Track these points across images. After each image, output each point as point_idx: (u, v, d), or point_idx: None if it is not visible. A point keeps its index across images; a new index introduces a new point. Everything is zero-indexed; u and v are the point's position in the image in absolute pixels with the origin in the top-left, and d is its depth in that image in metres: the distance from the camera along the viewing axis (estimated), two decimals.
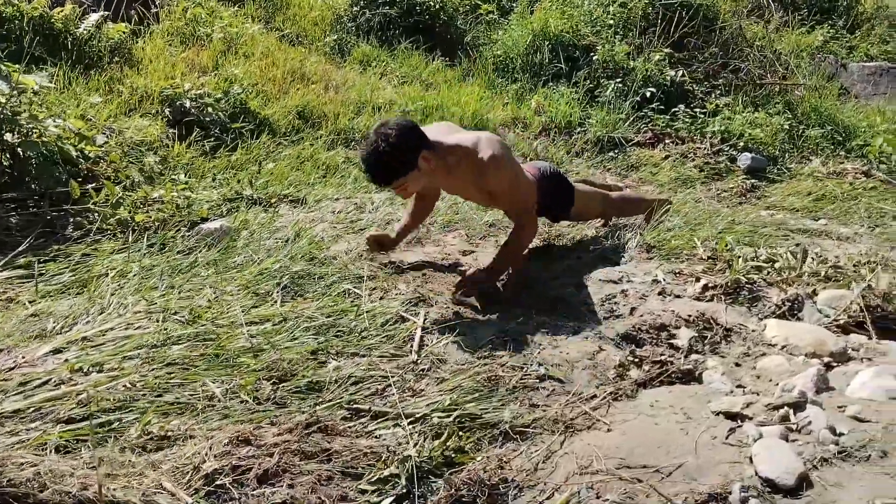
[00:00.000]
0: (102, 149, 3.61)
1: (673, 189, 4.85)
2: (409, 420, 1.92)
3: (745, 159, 5.19)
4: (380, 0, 7.10)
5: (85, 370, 1.98)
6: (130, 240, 2.97)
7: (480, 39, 6.95)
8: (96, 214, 3.10)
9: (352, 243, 3.38)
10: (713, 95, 6.15)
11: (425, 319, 2.55)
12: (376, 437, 1.86)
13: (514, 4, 7.34)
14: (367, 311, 2.52)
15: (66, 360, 2.00)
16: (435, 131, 2.92)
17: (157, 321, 2.25)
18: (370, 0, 7.12)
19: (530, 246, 3.22)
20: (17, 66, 3.29)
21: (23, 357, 1.98)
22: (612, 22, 6.67)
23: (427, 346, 2.39)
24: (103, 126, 4.11)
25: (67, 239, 2.90)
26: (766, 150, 5.45)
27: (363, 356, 2.25)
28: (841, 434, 2.02)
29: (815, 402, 2.14)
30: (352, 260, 3.10)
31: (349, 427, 1.87)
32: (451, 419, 1.93)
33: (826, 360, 2.50)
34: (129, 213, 3.11)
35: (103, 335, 2.16)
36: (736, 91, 6.21)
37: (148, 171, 3.74)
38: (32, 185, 3.18)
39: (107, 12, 5.15)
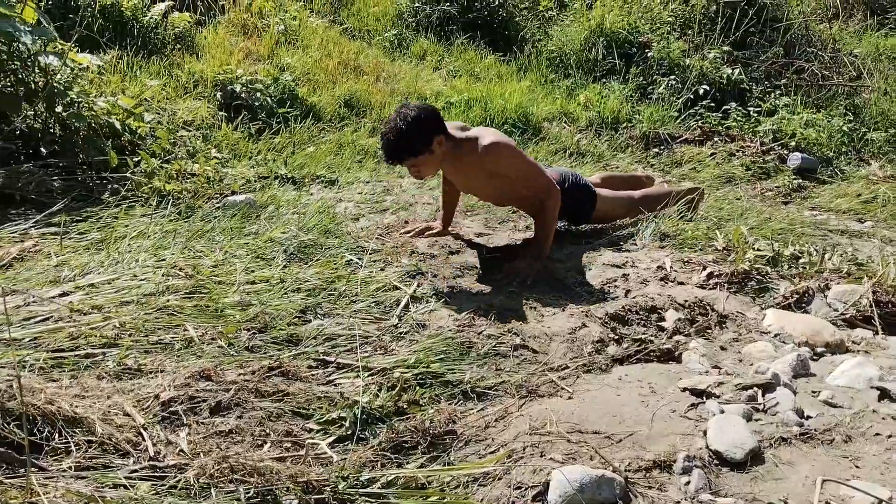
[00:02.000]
0: (149, 125, 3.85)
1: (715, 186, 4.76)
2: (370, 372, 2.01)
3: (794, 159, 5.04)
4: None
5: (84, 311, 2.16)
6: (159, 207, 3.18)
7: (537, 35, 6.98)
8: (133, 183, 3.33)
9: (371, 220, 3.50)
10: (773, 95, 5.98)
11: (416, 289, 2.64)
12: (335, 385, 1.96)
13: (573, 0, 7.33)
14: (361, 279, 2.63)
15: (70, 302, 2.19)
16: (450, 127, 3.04)
17: (161, 275, 2.42)
18: None
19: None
20: (70, 44, 3.54)
21: (33, 297, 2.18)
22: (671, 19, 6.58)
23: (411, 312, 2.47)
24: (157, 106, 4.40)
25: (102, 203, 3.12)
26: (820, 151, 5.27)
27: (348, 317, 2.36)
28: (808, 417, 1.99)
29: (787, 385, 2.11)
30: (363, 235, 3.22)
31: (311, 374, 1.98)
32: (410, 374, 2.01)
33: (819, 349, 2.44)
34: (162, 182, 3.32)
35: (109, 283, 2.35)
36: (797, 91, 6.02)
37: (191, 147, 3.97)
38: (79, 154, 3.44)
39: (173, 2, 5.47)
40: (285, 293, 2.44)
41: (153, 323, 2.12)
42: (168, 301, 2.26)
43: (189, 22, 5.44)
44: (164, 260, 2.56)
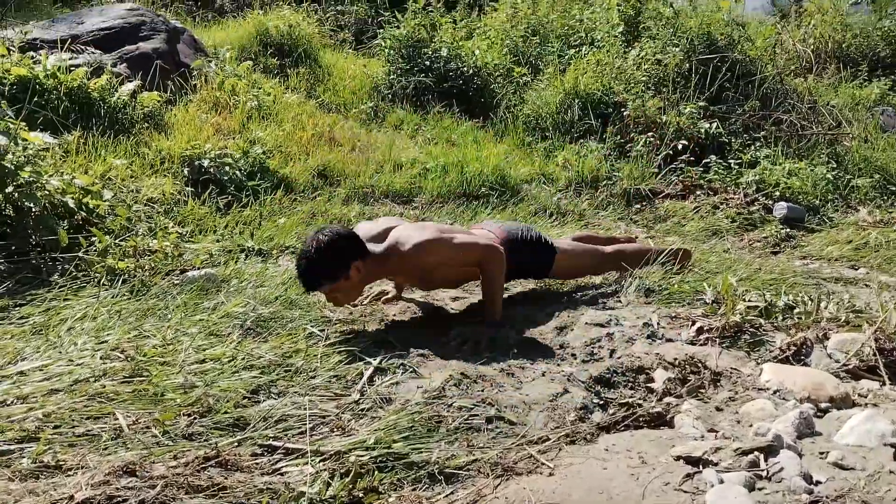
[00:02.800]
0: (108, 202, 3.70)
1: (701, 240, 4.62)
2: (322, 457, 1.78)
3: (780, 209, 4.92)
4: (416, 68, 7.26)
5: (8, 402, 1.94)
6: (113, 286, 2.98)
7: (513, 101, 6.96)
8: (85, 263, 3.14)
9: None
10: (753, 147, 5.91)
11: (382, 360, 2.43)
12: (282, 474, 1.73)
13: (547, 66, 7.35)
14: (322, 353, 2.42)
15: None
16: (376, 229, 2.97)
17: (99, 358, 2.20)
18: (406, 68, 7.29)
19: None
20: (21, 122, 3.42)
21: None
22: (644, 78, 6.58)
23: (375, 385, 2.26)
24: (121, 184, 4.26)
25: (50, 284, 2.93)
26: (806, 199, 5.16)
27: (304, 395, 2.14)
28: (817, 482, 1.77)
29: (791, 447, 1.89)
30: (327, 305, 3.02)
31: (255, 463, 1.75)
32: (368, 457, 1.78)
33: (824, 405, 2.23)
34: (116, 260, 3.14)
35: (41, 370, 2.13)
36: (777, 143, 5.95)
37: (153, 224, 3.80)
38: (31, 236, 3.27)
39: (140, 82, 5.41)
40: (235, 372, 2.23)
41: (81, 412, 1.90)
42: (104, 387, 2.05)
43: (158, 101, 5.36)
44: (105, 342, 2.35)
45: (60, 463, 1.66)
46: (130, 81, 5.41)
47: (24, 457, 1.69)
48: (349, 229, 2.85)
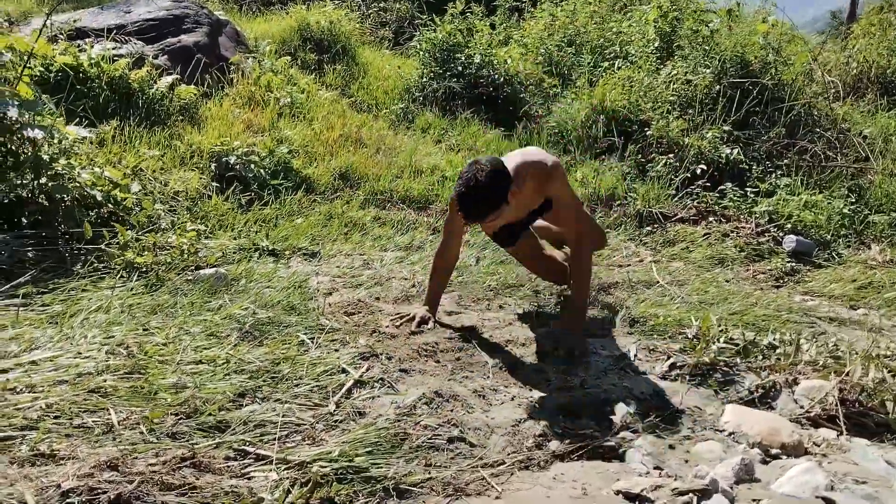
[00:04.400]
0: (135, 196, 3.93)
1: (706, 267, 4.69)
2: (287, 466, 1.96)
3: (789, 242, 4.96)
4: (448, 72, 7.40)
5: (18, 389, 2.16)
6: (130, 280, 3.21)
7: (541, 112, 7.06)
8: (107, 255, 3.37)
9: (344, 296, 3.50)
10: (774, 175, 5.93)
11: (364, 373, 2.60)
12: (248, 478, 1.91)
13: (578, 77, 7.43)
14: (309, 361, 2.60)
15: (8, 379, 2.19)
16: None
17: (104, 353, 2.42)
18: (439, 72, 7.44)
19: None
20: (57, 115, 3.66)
21: None
22: (673, 98, 6.62)
23: (353, 398, 2.43)
24: (151, 176, 4.50)
25: (73, 274, 3.16)
26: (818, 233, 5.19)
27: (284, 403, 2.32)
28: None
29: (726, 492, 2.01)
30: (329, 310, 3.20)
31: (227, 466, 1.93)
32: (330, 469, 1.96)
33: (775, 451, 2.34)
34: (135, 255, 3.36)
35: (51, 360, 2.35)
36: (798, 172, 5.96)
37: (176, 218, 4.03)
38: (60, 225, 3.51)
39: (178, 76, 5.65)
40: (227, 374, 2.42)
41: (80, 405, 2.11)
42: (105, 381, 2.26)
43: (195, 94, 5.61)
44: (112, 337, 2.56)
45: (55, 452, 1.87)
46: (170, 74, 5.66)
47: (23, 444, 1.90)
48: (496, 158, 2.92)
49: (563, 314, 3.43)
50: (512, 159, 3.04)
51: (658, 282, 4.07)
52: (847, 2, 14.93)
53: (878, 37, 9.57)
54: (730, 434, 2.43)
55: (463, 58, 7.42)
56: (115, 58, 5.42)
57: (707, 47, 6.98)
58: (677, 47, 7.35)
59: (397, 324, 3.17)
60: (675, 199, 5.58)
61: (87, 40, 5.69)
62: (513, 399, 2.56)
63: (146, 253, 3.42)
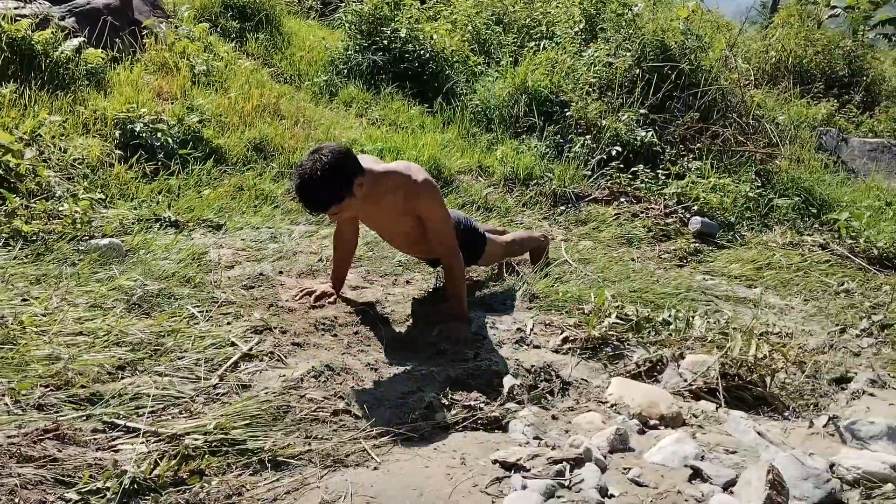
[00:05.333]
0: (29, 162, 3.75)
1: (613, 246, 4.80)
2: (158, 439, 1.92)
3: (695, 223, 5.11)
4: (374, 45, 7.30)
5: None
6: (16, 249, 3.07)
7: (465, 89, 7.05)
8: None
9: (245, 269, 3.44)
10: (686, 159, 6.09)
11: (254, 347, 2.56)
12: (115, 451, 1.86)
13: (503, 57, 7.44)
14: (196, 334, 2.55)
15: None
16: (363, 161, 2.89)
17: None
18: (364, 45, 7.33)
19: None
20: None
21: None
22: (593, 80, 6.71)
23: (238, 372, 2.40)
24: (50, 142, 4.30)
25: None
26: (724, 215, 5.36)
27: (164, 376, 2.27)
28: (611, 496, 1.96)
29: (598, 460, 2.07)
30: (226, 284, 3.14)
31: (93, 439, 1.88)
32: (203, 441, 1.93)
33: (653, 422, 2.42)
34: (22, 223, 3.22)
35: None
36: (709, 156, 6.14)
37: (73, 186, 3.87)
38: None
39: (86, 39, 5.40)
40: (106, 346, 2.35)
41: None
42: None
43: (103, 58, 5.37)
44: None
45: None
46: (77, 37, 5.41)
47: None
48: (343, 144, 2.78)
49: (448, 321, 3.08)
50: (387, 164, 2.97)
51: (566, 260, 4.14)
52: None
53: (796, 27, 9.91)
54: (612, 406, 2.50)
55: (388, 31, 7.33)
56: (18, 17, 5.14)
57: (629, 31, 7.09)
58: (600, 30, 7.44)
59: (297, 297, 3.13)
60: (590, 179, 5.67)
61: None
62: (405, 372, 2.57)
63: (34, 221, 3.28)
